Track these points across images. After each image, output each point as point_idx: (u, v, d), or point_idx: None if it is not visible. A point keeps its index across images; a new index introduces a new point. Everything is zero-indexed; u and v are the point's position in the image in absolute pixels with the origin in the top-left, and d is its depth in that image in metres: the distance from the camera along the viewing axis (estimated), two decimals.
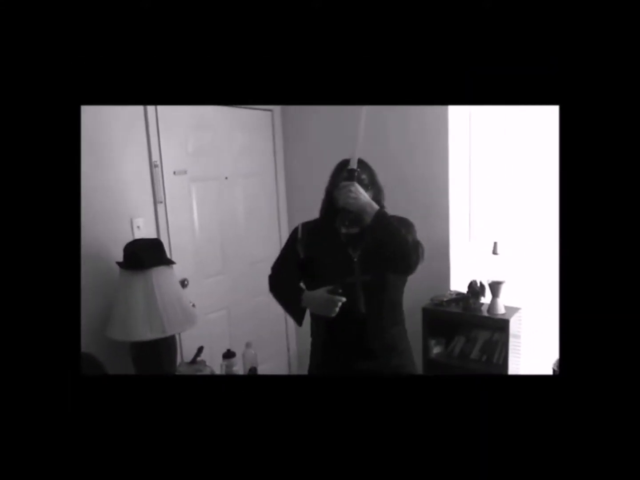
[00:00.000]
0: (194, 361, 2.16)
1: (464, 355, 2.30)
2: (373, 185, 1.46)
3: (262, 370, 2.49)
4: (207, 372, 2.09)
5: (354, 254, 1.43)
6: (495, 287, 2.16)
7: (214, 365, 2.13)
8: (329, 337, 1.52)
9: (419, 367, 1.83)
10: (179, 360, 2.33)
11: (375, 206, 1.32)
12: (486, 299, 2.23)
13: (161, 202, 2.22)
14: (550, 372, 1.82)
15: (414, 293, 2.53)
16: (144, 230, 2.14)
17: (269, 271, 1.62)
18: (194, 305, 2.43)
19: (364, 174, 1.42)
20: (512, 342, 2.14)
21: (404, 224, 1.41)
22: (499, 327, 2.16)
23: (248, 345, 2.07)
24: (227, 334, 2.61)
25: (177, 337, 2.29)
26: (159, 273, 1.94)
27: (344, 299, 1.31)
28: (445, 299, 2.31)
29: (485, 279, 2.23)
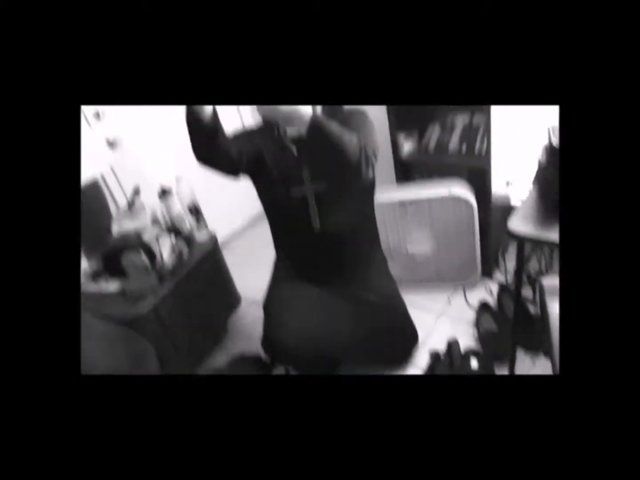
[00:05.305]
0: (131, 206, 1.92)
1: (440, 149, 1.92)
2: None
3: (213, 199, 2.13)
4: (146, 216, 1.86)
5: (303, 160, 1.20)
6: None
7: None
8: (283, 254, 1.41)
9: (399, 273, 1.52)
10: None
11: (307, 112, 1.03)
12: None
13: None
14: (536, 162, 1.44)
15: None
16: None
17: None
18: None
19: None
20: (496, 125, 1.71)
21: (354, 121, 1.15)
22: (478, 107, 1.71)
23: (178, 179, 1.78)
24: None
25: (104, 184, 2.02)
26: None
27: None
28: None
29: None
